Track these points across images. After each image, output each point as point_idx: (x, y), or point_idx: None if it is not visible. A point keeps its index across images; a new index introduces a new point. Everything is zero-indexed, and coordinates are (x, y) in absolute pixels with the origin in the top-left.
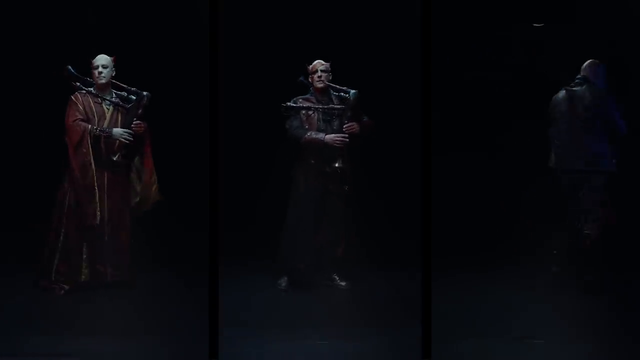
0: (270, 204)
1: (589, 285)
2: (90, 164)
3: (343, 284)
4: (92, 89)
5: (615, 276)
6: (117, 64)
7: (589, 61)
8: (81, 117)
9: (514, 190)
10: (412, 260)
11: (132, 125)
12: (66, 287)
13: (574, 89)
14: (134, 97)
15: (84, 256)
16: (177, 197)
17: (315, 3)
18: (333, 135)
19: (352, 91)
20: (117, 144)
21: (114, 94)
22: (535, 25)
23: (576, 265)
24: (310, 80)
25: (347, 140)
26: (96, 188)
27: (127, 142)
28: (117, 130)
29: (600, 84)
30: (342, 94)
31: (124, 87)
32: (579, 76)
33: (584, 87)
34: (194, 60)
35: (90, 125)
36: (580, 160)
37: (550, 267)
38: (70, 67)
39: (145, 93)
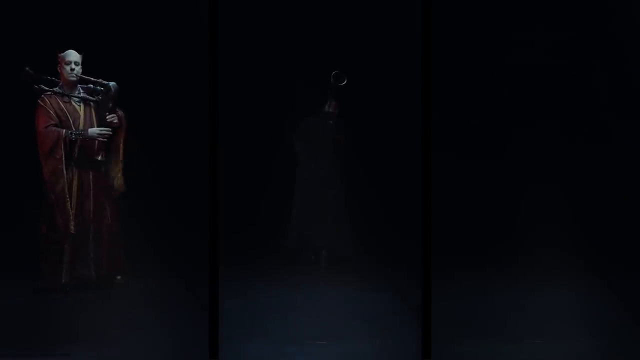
0: (270, 203)
1: None
2: (62, 170)
3: None
4: (57, 88)
5: (617, 275)
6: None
7: None
8: (53, 122)
9: (514, 190)
10: (412, 260)
11: (107, 119)
12: (65, 288)
13: None
14: (101, 89)
15: (67, 257)
16: (177, 197)
17: (315, 3)
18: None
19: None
20: (97, 144)
21: (80, 90)
22: None
23: None
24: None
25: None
26: (67, 196)
27: (105, 140)
28: (93, 130)
29: None
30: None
31: (89, 79)
32: None
33: None
34: (194, 60)
35: (64, 130)
36: None
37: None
38: (28, 68)
39: (111, 83)
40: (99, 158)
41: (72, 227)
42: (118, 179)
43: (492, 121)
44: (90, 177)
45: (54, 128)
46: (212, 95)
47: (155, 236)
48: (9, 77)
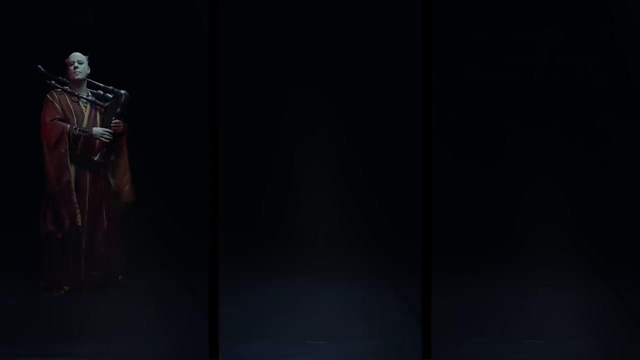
0: (270, 204)
1: None
2: (67, 165)
3: None
4: (67, 87)
5: (617, 275)
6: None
7: None
8: (59, 116)
9: (515, 190)
10: (412, 260)
11: (112, 124)
12: (66, 287)
13: None
14: (110, 96)
15: (72, 257)
16: (177, 198)
17: (315, 3)
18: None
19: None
20: (97, 144)
21: (89, 92)
22: None
23: None
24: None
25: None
26: (73, 190)
27: (107, 141)
28: (98, 130)
29: None
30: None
31: (99, 85)
32: None
33: None
34: (194, 61)
35: (69, 125)
36: None
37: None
38: (40, 66)
39: (123, 92)
40: (96, 158)
41: (79, 220)
42: (128, 189)
43: (492, 121)
44: (87, 177)
45: (59, 122)
46: (212, 96)
47: (155, 236)
48: (18, 81)
